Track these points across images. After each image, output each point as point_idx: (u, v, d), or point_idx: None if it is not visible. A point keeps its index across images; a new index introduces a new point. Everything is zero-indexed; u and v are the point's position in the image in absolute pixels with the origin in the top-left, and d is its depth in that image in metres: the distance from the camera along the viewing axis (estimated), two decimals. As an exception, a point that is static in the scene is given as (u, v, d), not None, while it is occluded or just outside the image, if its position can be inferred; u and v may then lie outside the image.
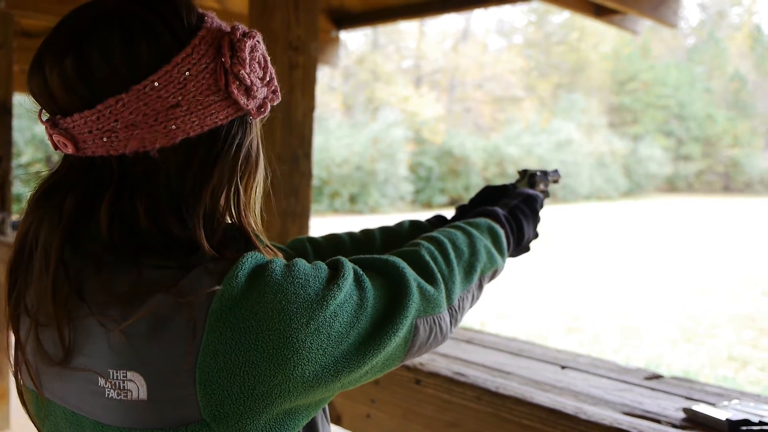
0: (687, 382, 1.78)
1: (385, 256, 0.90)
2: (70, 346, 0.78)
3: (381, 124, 28.43)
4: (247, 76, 0.81)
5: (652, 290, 11.71)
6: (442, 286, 0.92)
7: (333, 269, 0.82)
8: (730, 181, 37.55)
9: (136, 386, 0.74)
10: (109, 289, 0.76)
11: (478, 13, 40.41)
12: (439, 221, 1.28)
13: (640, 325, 9.43)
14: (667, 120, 37.79)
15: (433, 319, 0.90)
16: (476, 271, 1.01)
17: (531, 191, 1.26)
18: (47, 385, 0.83)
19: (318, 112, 2.56)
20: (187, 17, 0.81)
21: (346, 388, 0.83)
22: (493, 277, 1.07)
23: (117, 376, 0.75)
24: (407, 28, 36.54)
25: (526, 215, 1.20)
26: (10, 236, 4.30)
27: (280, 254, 0.87)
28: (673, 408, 1.56)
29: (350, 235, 1.26)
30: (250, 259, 0.77)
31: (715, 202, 31.02)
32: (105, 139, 0.78)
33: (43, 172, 0.86)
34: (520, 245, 1.19)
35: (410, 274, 0.88)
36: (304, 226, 2.55)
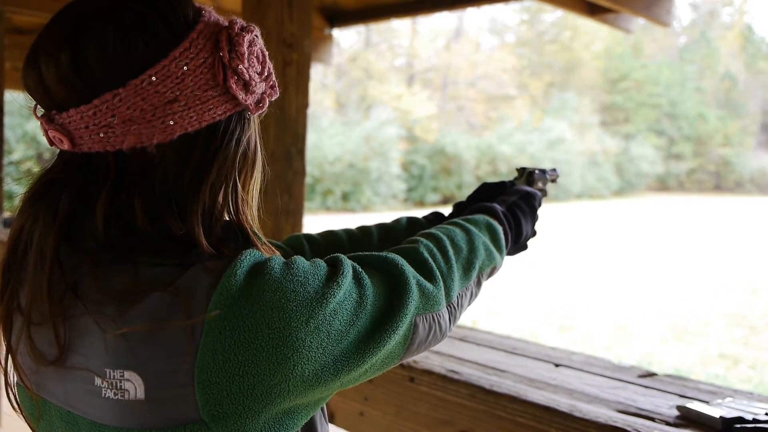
0: (680, 380, 1.78)
1: (383, 254, 0.89)
2: (66, 344, 0.77)
3: (373, 123, 28.40)
4: (245, 71, 0.80)
5: (643, 289, 11.75)
6: (441, 284, 0.92)
7: (332, 267, 0.81)
8: (721, 180, 37.68)
9: (134, 386, 0.73)
10: (106, 286, 0.75)
11: (471, 12, 40.53)
12: (436, 218, 1.28)
13: (631, 324, 9.47)
14: (659, 119, 37.90)
15: (433, 317, 0.89)
16: (475, 268, 1.00)
17: (529, 189, 1.25)
18: (42, 385, 0.82)
19: (310, 110, 2.56)
20: (184, 11, 0.80)
21: (345, 386, 0.82)
22: (491, 274, 1.06)
23: (114, 376, 0.74)
24: (400, 26, 36.52)
25: (525, 212, 1.19)
26: (2, 234, 4.27)
27: (278, 252, 0.86)
28: (666, 406, 1.56)
29: (347, 232, 1.25)
30: (249, 257, 0.76)
31: (706, 200, 31.14)
32: (102, 135, 0.77)
33: (36, 170, 0.85)
34: (518, 243, 1.18)
35: (409, 271, 0.87)
36: (298, 223, 2.54)
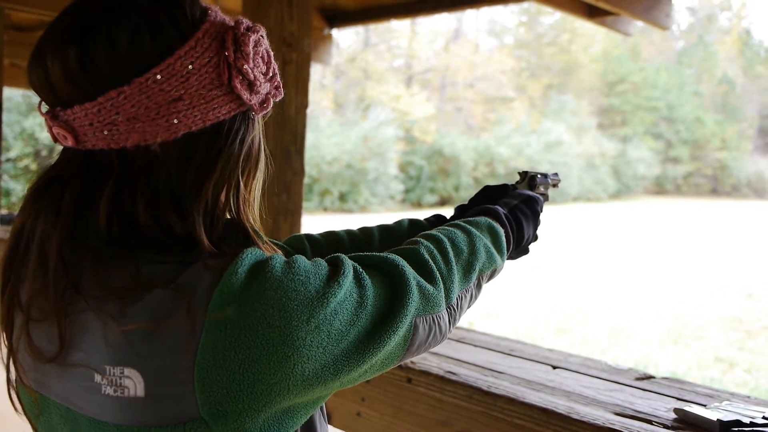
0: (678, 382, 1.78)
1: (384, 254, 0.89)
2: (67, 341, 0.76)
3: (372, 123, 28.40)
4: (250, 71, 0.80)
5: (640, 292, 11.76)
6: (441, 285, 0.91)
7: (333, 266, 0.81)
8: (717, 184, 37.77)
9: (134, 383, 0.73)
10: (107, 283, 0.75)
11: (470, 13, 40.52)
12: (438, 220, 1.27)
13: (628, 327, 9.47)
14: (656, 122, 37.97)
15: (433, 318, 0.89)
16: (475, 270, 1.00)
17: (531, 193, 1.25)
18: (42, 382, 0.81)
19: (309, 110, 2.56)
20: (191, 10, 0.80)
21: (345, 386, 0.82)
22: (492, 276, 1.06)
23: (114, 373, 0.73)
24: (399, 27, 36.54)
25: (527, 216, 1.19)
26: (1, 231, 4.26)
27: (279, 251, 0.86)
28: (664, 408, 1.56)
29: (348, 233, 1.25)
30: (250, 255, 0.76)
31: (703, 204, 31.20)
32: (106, 132, 0.77)
33: (33, 167, 0.84)
34: (519, 246, 1.18)
35: (410, 272, 0.87)
36: (296, 223, 2.54)
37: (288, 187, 2.52)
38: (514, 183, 1.32)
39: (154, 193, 0.79)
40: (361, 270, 0.83)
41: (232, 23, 0.82)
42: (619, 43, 37.63)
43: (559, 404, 1.57)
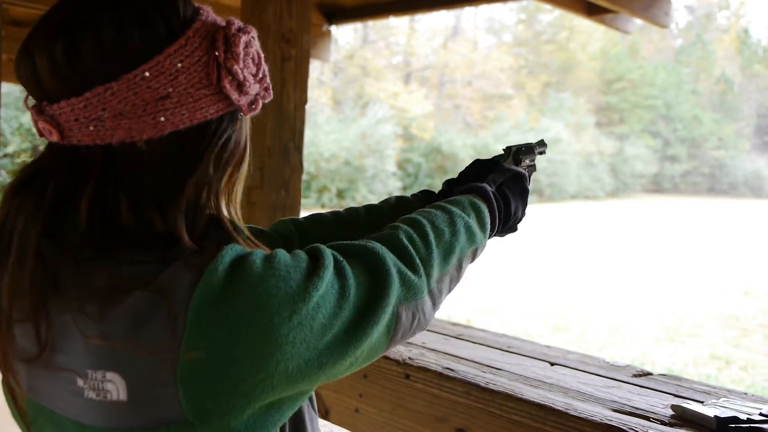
0: (675, 379, 1.78)
1: (363, 242, 0.88)
2: (46, 342, 0.75)
3: (370, 120, 28.36)
4: (240, 72, 0.80)
5: (637, 289, 11.78)
6: (422, 271, 0.90)
7: (313, 258, 0.80)
8: (715, 183, 37.83)
9: (116, 387, 0.72)
10: (87, 283, 0.74)
11: (469, 11, 40.47)
12: (425, 195, 1.26)
13: (625, 324, 9.49)
14: (654, 120, 38.00)
15: (416, 305, 0.88)
16: (455, 252, 0.98)
17: (518, 169, 1.22)
18: (32, 386, 0.80)
19: (307, 106, 2.56)
20: (183, 9, 0.80)
21: (330, 379, 0.81)
22: (474, 256, 1.04)
23: (95, 377, 0.73)
24: (397, 24, 36.50)
25: (515, 193, 1.17)
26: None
27: (262, 246, 0.86)
28: (661, 405, 1.56)
29: (334, 213, 1.23)
30: (230, 252, 0.75)
31: (700, 202, 31.24)
32: (91, 128, 0.76)
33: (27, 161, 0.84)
34: (506, 224, 1.17)
35: (390, 259, 0.86)
36: (295, 219, 2.54)
37: (286, 184, 2.51)
38: (497, 157, 1.28)
39: (137, 191, 0.78)
40: (341, 260, 0.82)
41: (224, 23, 0.81)
42: (618, 41, 37.61)
43: (557, 401, 1.58)
